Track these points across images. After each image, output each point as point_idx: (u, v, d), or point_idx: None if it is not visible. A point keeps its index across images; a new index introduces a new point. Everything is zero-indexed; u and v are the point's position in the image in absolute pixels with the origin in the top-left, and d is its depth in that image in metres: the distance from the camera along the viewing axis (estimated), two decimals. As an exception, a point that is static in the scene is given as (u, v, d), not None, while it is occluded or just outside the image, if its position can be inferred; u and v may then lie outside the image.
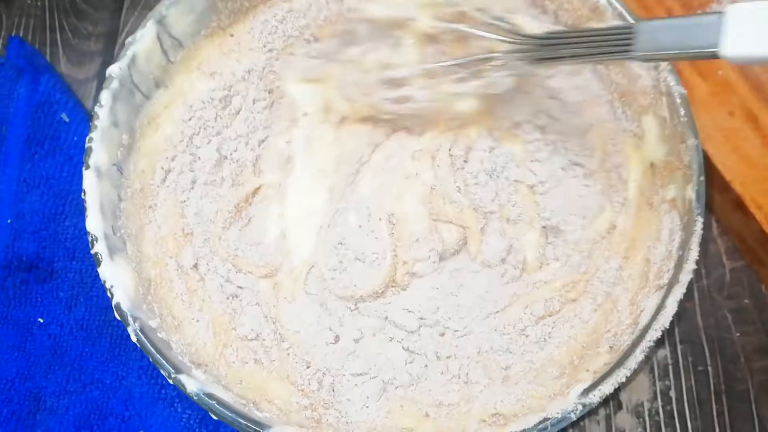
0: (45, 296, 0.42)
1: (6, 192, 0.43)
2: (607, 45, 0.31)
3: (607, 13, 0.39)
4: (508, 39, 0.35)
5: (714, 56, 0.28)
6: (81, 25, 0.54)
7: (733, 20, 0.27)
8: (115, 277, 0.33)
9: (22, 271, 0.42)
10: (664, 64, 0.37)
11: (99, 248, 0.34)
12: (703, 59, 0.29)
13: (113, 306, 0.33)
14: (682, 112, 0.36)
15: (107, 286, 0.33)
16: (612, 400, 0.43)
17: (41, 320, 0.42)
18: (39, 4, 0.55)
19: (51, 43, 0.54)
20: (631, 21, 0.38)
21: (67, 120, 0.45)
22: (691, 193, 0.35)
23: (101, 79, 0.52)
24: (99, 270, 0.33)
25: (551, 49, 0.33)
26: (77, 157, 0.44)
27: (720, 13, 0.28)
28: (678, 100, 0.36)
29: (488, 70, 0.36)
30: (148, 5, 0.55)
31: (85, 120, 0.46)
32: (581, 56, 0.32)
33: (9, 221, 0.43)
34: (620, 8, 0.39)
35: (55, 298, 0.42)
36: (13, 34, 0.54)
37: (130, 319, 0.32)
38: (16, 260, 0.42)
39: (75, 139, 0.45)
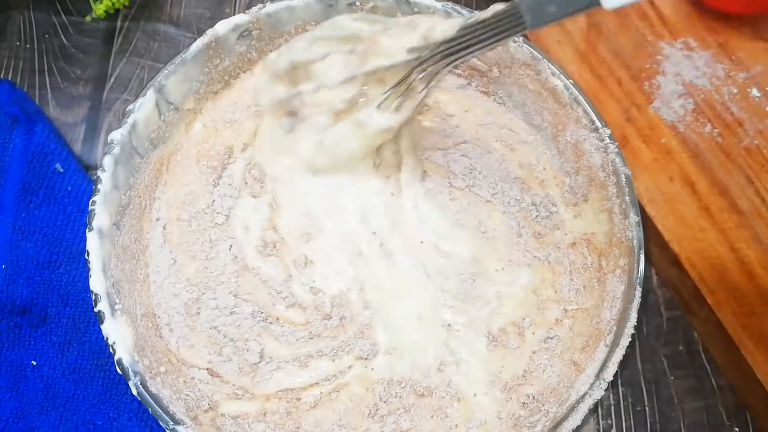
0: (38, 340, 0.44)
1: (1, 239, 0.45)
2: (504, 26, 0.36)
3: (564, 96, 0.44)
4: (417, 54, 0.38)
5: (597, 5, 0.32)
6: (70, 69, 0.56)
7: None
8: (117, 333, 0.36)
9: (16, 315, 0.44)
10: (612, 147, 0.42)
11: (102, 306, 0.36)
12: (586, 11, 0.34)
13: (115, 361, 0.36)
14: (627, 191, 0.41)
15: (109, 342, 0.36)
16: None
17: (34, 363, 0.44)
18: (28, 47, 0.57)
19: (40, 86, 0.56)
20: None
21: (61, 170, 0.47)
22: (632, 264, 0.40)
23: (89, 123, 0.55)
24: (102, 327, 0.36)
25: (459, 46, 0.37)
26: (71, 206, 0.46)
27: None
28: (624, 181, 0.41)
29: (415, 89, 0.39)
30: (136, 52, 0.57)
31: (78, 170, 0.48)
32: (484, 42, 0.36)
33: (3, 267, 0.45)
34: (576, 92, 0.43)
35: (48, 342, 0.44)
36: (1, 77, 0.55)
37: (131, 374, 0.35)
38: (10, 304, 0.44)
39: (69, 188, 0.47)
